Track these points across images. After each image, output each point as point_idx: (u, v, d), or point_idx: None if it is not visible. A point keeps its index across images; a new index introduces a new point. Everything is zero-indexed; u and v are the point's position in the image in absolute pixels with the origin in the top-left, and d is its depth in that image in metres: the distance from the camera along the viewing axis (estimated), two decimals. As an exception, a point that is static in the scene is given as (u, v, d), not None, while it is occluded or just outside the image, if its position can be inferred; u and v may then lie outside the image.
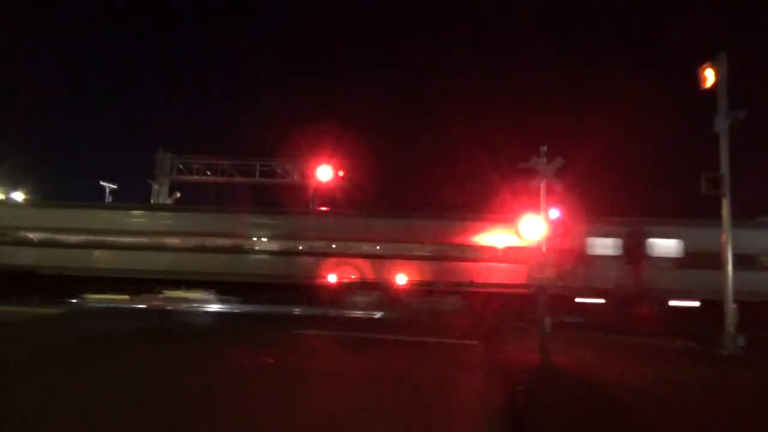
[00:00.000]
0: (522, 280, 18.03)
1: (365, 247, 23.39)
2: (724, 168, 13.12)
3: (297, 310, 24.17)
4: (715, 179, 13.12)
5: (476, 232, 22.44)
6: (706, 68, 13.28)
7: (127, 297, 23.95)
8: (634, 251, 20.49)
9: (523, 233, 15.29)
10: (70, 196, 58.29)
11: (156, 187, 29.80)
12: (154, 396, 7.99)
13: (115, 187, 49.90)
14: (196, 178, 31.18)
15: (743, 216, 19.19)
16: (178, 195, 31.39)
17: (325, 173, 29.55)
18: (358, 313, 24.11)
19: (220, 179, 31.72)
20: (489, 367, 11.29)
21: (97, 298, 23.47)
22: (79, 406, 7.23)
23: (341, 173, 30.06)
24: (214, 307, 24.48)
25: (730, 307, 13.00)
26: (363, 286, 23.07)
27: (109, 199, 49.58)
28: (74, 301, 22.93)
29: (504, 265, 21.58)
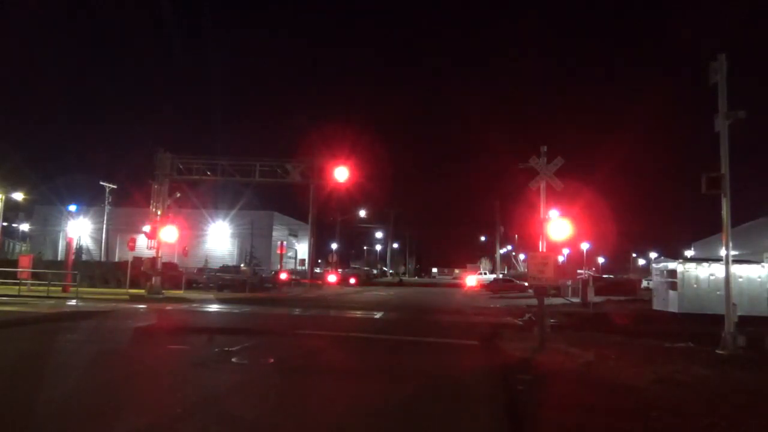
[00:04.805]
0: None
1: None
2: (725, 168, 13.09)
3: (297, 311, 24.18)
4: (715, 179, 13.09)
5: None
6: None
7: None
8: None
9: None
10: (70, 196, 58.42)
11: (156, 186, 29.77)
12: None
13: (114, 186, 50.18)
14: (196, 178, 31.15)
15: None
16: (178, 195, 31.38)
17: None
18: (358, 314, 24.14)
19: (220, 179, 31.72)
20: (489, 367, 11.28)
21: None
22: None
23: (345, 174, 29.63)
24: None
25: (730, 307, 12.98)
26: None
27: (108, 198, 49.80)
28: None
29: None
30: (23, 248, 64.77)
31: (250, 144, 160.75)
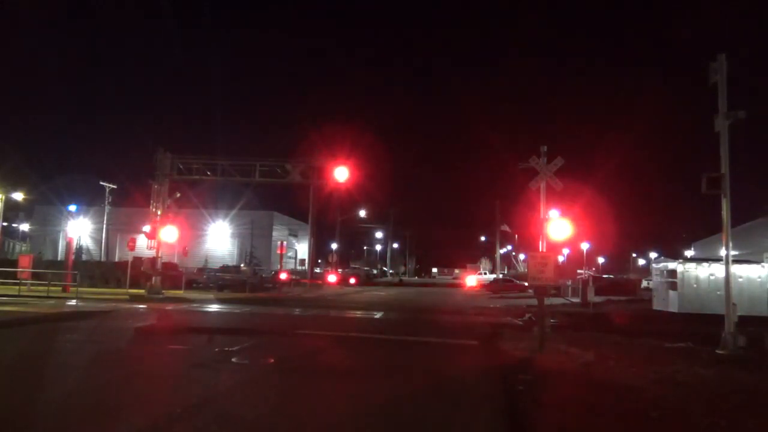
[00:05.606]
0: None
1: None
2: (725, 168, 13.08)
3: (297, 311, 24.18)
4: (715, 179, 13.08)
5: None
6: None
7: None
8: None
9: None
10: (70, 196, 58.40)
11: (156, 186, 29.76)
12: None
13: (114, 186, 50.18)
14: (196, 178, 31.12)
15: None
16: (178, 195, 31.37)
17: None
18: (359, 314, 24.14)
19: (220, 179, 31.70)
20: (489, 368, 11.28)
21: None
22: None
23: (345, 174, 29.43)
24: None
25: (730, 307, 12.97)
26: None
27: (108, 198, 49.80)
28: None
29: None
30: (23, 248, 64.74)
31: (250, 144, 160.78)
